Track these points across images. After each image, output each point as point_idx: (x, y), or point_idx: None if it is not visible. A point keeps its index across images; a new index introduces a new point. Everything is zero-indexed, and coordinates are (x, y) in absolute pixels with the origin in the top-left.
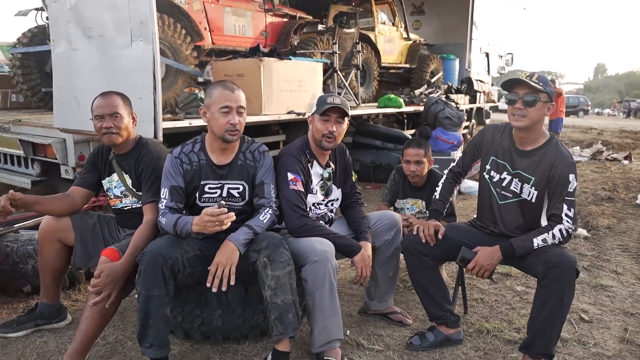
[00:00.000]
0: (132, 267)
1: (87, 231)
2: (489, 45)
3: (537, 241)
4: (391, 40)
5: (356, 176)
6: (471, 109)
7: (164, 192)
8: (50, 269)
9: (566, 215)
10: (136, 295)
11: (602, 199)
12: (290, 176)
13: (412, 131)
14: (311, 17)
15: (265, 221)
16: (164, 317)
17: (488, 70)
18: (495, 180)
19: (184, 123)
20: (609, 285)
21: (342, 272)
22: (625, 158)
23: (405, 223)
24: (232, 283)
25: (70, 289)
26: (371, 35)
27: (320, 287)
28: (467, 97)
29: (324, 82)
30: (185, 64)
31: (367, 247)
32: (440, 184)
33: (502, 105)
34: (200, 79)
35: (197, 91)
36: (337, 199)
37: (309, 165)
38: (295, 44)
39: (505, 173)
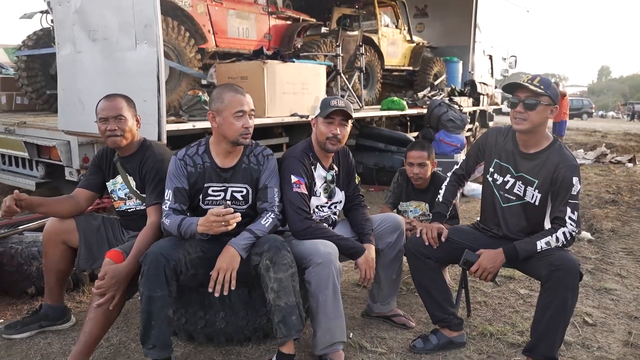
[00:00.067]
0: (136, 269)
1: (92, 233)
2: (493, 48)
3: (541, 244)
4: (394, 43)
5: (359, 178)
6: (474, 111)
7: (168, 194)
8: (55, 270)
9: (570, 218)
10: (139, 298)
11: (606, 202)
12: (293, 179)
13: (415, 134)
14: (314, 20)
15: (267, 225)
16: (166, 318)
17: (491, 73)
18: (498, 183)
19: (188, 125)
20: (613, 288)
21: (345, 274)
22: (630, 161)
23: (409, 227)
24: (232, 288)
25: (74, 291)
26: (374, 37)
27: (323, 290)
28: (471, 100)
29: (327, 85)
30: (189, 67)
31: (370, 250)
32: (443, 186)
33: (505, 107)
34: (204, 82)
35: (200, 93)
36: (341, 202)
37: (313, 167)
38: (299, 46)
39: (508, 176)
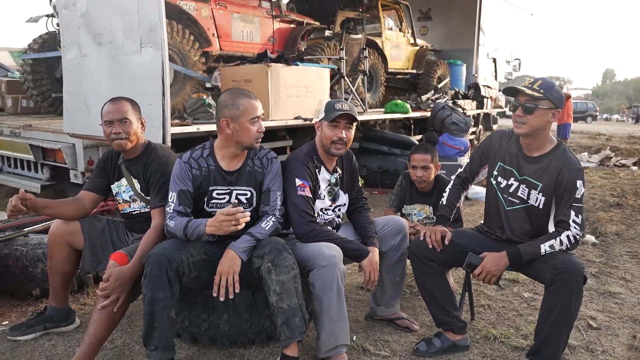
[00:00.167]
0: (140, 271)
1: (96, 235)
2: (496, 51)
3: (545, 247)
4: (398, 46)
5: (363, 181)
6: (478, 114)
7: (172, 196)
8: (60, 272)
9: (574, 221)
10: (142, 299)
11: (610, 205)
12: (298, 182)
13: (419, 137)
14: (318, 23)
15: (267, 228)
16: (169, 320)
17: (495, 76)
18: (502, 186)
19: (192, 128)
20: (618, 292)
21: (348, 277)
22: (634, 164)
23: (412, 230)
24: (236, 291)
25: (78, 293)
26: (378, 41)
27: (328, 292)
28: (474, 103)
29: (331, 88)
30: (194, 70)
31: (374, 252)
32: (447, 189)
33: (509, 111)
34: (208, 85)
35: (205, 97)
36: (344, 205)
37: (317, 170)
38: (303, 49)
39: (512, 179)
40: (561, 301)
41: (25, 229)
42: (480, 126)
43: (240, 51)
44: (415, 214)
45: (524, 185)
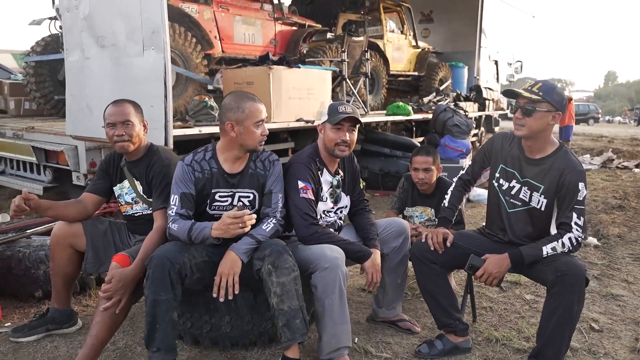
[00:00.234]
0: (143, 272)
1: (99, 237)
2: (498, 53)
3: (547, 249)
4: (400, 48)
5: (364, 183)
6: (480, 116)
7: (174, 199)
8: (62, 274)
9: (576, 223)
10: (145, 300)
11: (612, 208)
12: (300, 184)
13: (421, 139)
14: (320, 26)
15: (268, 230)
16: (171, 321)
17: (497, 78)
18: (504, 188)
19: (194, 130)
20: (620, 294)
21: (350, 279)
22: (637, 166)
23: (414, 232)
24: (236, 292)
25: (80, 295)
26: (380, 43)
27: (330, 294)
28: (476, 105)
29: (333, 90)
30: (196, 72)
31: (376, 254)
32: (449, 191)
33: (510, 113)
34: (210, 87)
35: (207, 99)
36: (346, 206)
37: (319, 173)
38: (305, 52)
39: (514, 181)
40: (563, 303)
41: (28, 231)
42: (482, 128)
43: (242, 53)
44: (417, 216)
45: (526, 188)
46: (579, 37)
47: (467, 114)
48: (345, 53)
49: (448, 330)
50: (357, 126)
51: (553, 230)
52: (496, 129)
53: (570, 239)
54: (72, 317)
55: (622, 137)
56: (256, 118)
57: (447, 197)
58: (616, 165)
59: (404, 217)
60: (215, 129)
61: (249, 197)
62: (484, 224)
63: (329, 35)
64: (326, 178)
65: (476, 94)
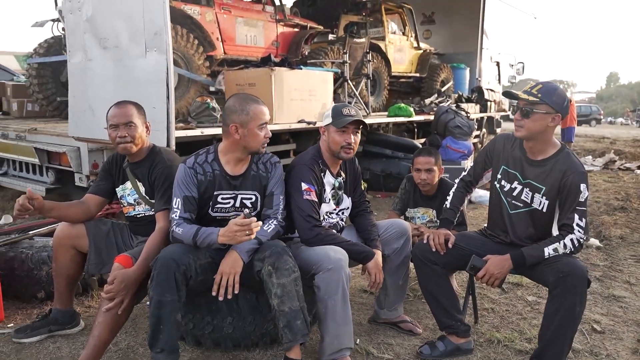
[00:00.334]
0: (145, 273)
1: (101, 238)
2: (500, 54)
3: (548, 250)
4: (401, 50)
5: (366, 185)
6: (482, 118)
7: (177, 202)
8: (64, 275)
9: (577, 225)
10: (148, 302)
11: (614, 209)
12: (304, 186)
13: (423, 140)
14: (322, 27)
15: (269, 231)
16: (175, 323)
17: (499, 79)
18: (506, 189)
19: (196, 132)
20: (622, 295)
21: (351, 281)
22: (639, 167)
23: (416, 232)
24: (236, 292)
25: (83, 296)
26: (381, 44)
27: (333, 295)
28: (478, 106)
29: (335, 92)
30: (198, 74)
31: (378, 255)
32: (451, 193)
33: (512, 114)
34: (212, 89)
35: (209, 100)
36: (348, 208)
37: (322, 174)
38: (306, 53)
39: (516, 182)
40: (565, 304)
41: (31, 232)
42: (484, 130)
43: (244, 55)
44: (418, 218)
45: (528, 189)
46: (581, 38)
47: (468, 115)
48: (347, 54)
49: (450, 331)
50: (361, 127)
51: (555, 232)
52: (498, 130)
53: (572, 240)
54: (75, 318)
55: (624, 138)
56: (260, 120)
57: (449, 198)
58: (618, 167)
59: (406, 219)
60: (218, 131)
61: (251, 198)
62: (485, 225)
63: (331, 36)
64: (328, 180)
65: (478, 96)
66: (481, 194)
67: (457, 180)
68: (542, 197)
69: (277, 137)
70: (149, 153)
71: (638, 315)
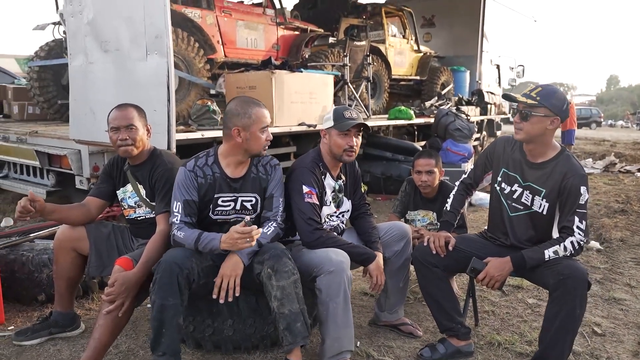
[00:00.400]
0: (146, 276)
1: (102, 241)
2: (500, 57)
3: (549, 253)
4: (402, 53)
5: (366, 187)
6: (482, 120)
7: (177, 206)
8: (65, 277)
9: (577, 227)
10: (149, 305)
11: (615, 212)
12: (305, 189)
13: (423, 143)
14: (322, 30)
15: (268, 233)
16: (177, 326)
17: (499, 82)
18: (506, 192)
19: (197, 134)
20: (623, 298)
21: (352, 283)
22: (639, 170)
23: (416, 235)
24: (237, 294)
25: (83, 298)
26: (382, 47)
27: (334, 298)
28: (478, 109)
29: (335, 94)
30: (198, 77)
31: (379, 257)
32: (451, 195)
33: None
34: (212, 92)
35: (209, 103)
36: (348, 211)
37: (323, 177)
38: (307, 56)
39: (516, 185)
40: (565, 307)
41: (31, 235)
42: (484, 132)
43: (244, 58)
44: (419, 220)
45: (528, 192)
46: (581, 41)
47: (469, 118)
48: (347, 57)
49: (450, 334)
50: (362, 130)
51: (555, 234)
52: (498, 133)
53: (572, 242)
54: (75, 321)
55: (625, 141)
56: (262, 123)
57: (449, 200)
58: (618, 169)
59: (406, 221)
60: (218, 133)
61: (251, 201)
62: (486, 227)
63: (331, 39)
64: (329, 182)
65: (478, 98)
66: (481, 197)
67: (457, 183)
68: (542, 200)
69: (278, 140)
70: (150, 156)
71: (639, 317)
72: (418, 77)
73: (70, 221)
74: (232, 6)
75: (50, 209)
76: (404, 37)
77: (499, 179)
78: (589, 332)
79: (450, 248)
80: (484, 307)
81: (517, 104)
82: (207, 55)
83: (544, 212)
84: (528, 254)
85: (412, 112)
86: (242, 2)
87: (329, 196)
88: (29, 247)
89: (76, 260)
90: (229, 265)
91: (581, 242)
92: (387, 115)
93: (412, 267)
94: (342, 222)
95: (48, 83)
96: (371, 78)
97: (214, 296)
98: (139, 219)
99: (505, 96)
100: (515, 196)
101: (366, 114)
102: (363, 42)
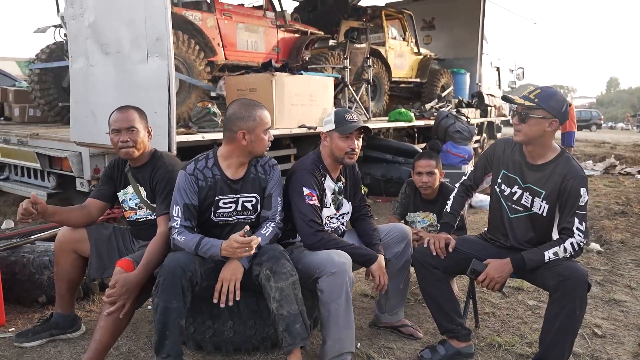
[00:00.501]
0: (146, 277)
1: (103, 242)
2: (500, 60)
3: (549, 254)
4: (402, 55)
5: (366, 189)
6: (482, 122)
7: (177, 210)
8: (66, 279)
9: (577, 228)
10: (149, 307)
11: (615, 214)
12: (306, 191)
13: (423, 145)
14: (322, 33)
15: (267, 234)
16: (180, 328)
17: (499, 85)
18: (506, 193)
19: (197, 137)
20: (623, 300)
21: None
22: (639, 172)
23: (416, 237)
24: (237, 298)
25: (84, 300)
26: (382, 50)
27: (336, 299)
28: (478, 111)
29: (335, 97)
30: (199, 79)
31: (380, 258)
32: (451, 197)
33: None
34: (213, 94)
35: (210, 105)
36: (348, 213)
37: (323, 179)
38: (307, 59)
39: (516, 187)
40: (565, 308)
41: (32, 237)
42: (484, 134)
43: (245, 60)
44: (419, 222)
45: (528, 193)
46: (581, 43)
47: (469, 120)
48: (348, 60)
49: (450, 335)
50: (362, 132)
51: (555, 236)
52: (498, 135)
53: (572, 244)
54: (76, 322)
55: (625, 143)
56: (265, 125)
57: (449, 202)
58: (619, 172)
59: (406, 223)
60: (218, 136)
61: (251, 201)
62: (486, 229)
63: (331, 42)
64: (329, 184)
65: (478, 101)
66: (482, 199)
67: (457, 185)
68: (542, 201)
69: (278, 142)
70: (151, 158)
71: (639, 319)
72: (418, 80)
73: (71, 223)
74: (232, 9)
75: (52, 211)
76: (404, 39)
77: (499, 180)
78: (589, 334)
79: (450, 249)
80: (484, 308)
81: (516, 106)
82: (208, 58)
83: (544, 214)
84: (528, 256)
85: (412, 114)
86: (243, 4)
87: (328, 198)
88: (30, 249)
89: (77, 262)
90: (229, 269)
91: (581, 244)
92: (387, 118)
93: (412, 269)
94: (343, 224)
95: (49, 85)
96: (371, 80)
97: (215, 300)
98: (139, 220)
99: (504, 98)
100: (515, 198)
101: (366, 116)
102: (363, 45)
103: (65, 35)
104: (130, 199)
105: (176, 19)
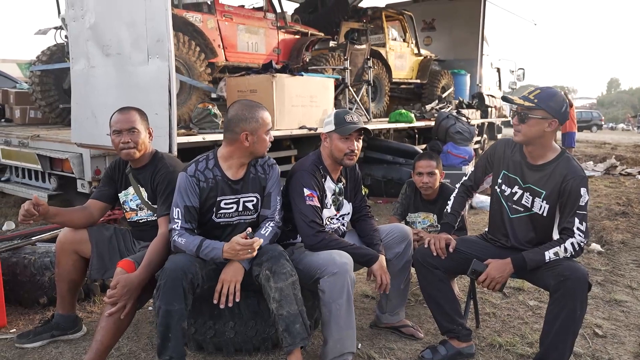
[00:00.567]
0: (148, 278)
1: (104, 243)
2: (500, 61)
3: (549, 254)
4: (402, 56)
5: (366, 190)
6: (482, 123)
7: (177, 213)
8: (67, 280)
9: (578, 229)
10: (150, 307)
11: (616, 214)
12: (306, 192)
13: (423, 146)
14: (323, 34)
15: (266, 235)
16: (182, 330)
17: (499, 85)
18: (506, 194)
19: (198, 138)
20: (624, 300)
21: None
22: None
23: (416, 237)
24: (237, 300)
25: (85, 301)
26: (382, 51)
27: (337, 299)
28: (479, 112)
29: (336, 98)
30: (199, 81)
31: (381, 257)
32: (452, 197)
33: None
34: (213, 95)
35: (210, 107)
36: (348, 213)
37: (323, 180)
38: (307, 60)
39: (516, 187)
40: (566, 308)
41: (33, 238)
42: (485, 135)
43: (245, 62)
44: (419, 222)
45: (528, 193)
46: (581, 44)
47: (469, 121)
48: (348, 61)
49: (451, 335)
50: (362, 133)
51: (555, 236)
52: (498, 135)
53: (572, 244)
54: (77, 323)
55: (625, 144)
56: (267, 126)
57: (450, 203)
58: (619, 172)
59: (407, 223)
60: (219, 137)
61: (252, 201)
62: (486, 229)
63: (332, 43)
64: (329, 185)
65: (478, 101)
66: (482, 199)
67: (458, 185)
68: (542, 202)
69: (279, 143)
70: (152, 159)
71: None
72: (418, 81)
73: (73, 224)
74: (233, 10)
75: (53, 212)
76: (404, 40)
77: (500, 181)
78: (590, 334)
79: (451, 250)
80: (485, 308)
81: (515, 106)
82: (208, 59)
83: (544, 214)
84: (528, 256)
85: (412, 115)
86: (243, 6)
87: (329, 199)
88: (31, 250)
89: (78, 263)
90: (230, 270)
91: (581, 244)
92: (387, 119)
93: (413, 269)
94: (343, 225)
95: (50, 87)
96: (372, 81)
97: (215, 301)
98: (140, 221)
99: (504, 98)
100: (515, 198)
101: (367, 118)
102: (363, 46)
103: (66, 37)
104: (131, 200)
105: (177, 20)
